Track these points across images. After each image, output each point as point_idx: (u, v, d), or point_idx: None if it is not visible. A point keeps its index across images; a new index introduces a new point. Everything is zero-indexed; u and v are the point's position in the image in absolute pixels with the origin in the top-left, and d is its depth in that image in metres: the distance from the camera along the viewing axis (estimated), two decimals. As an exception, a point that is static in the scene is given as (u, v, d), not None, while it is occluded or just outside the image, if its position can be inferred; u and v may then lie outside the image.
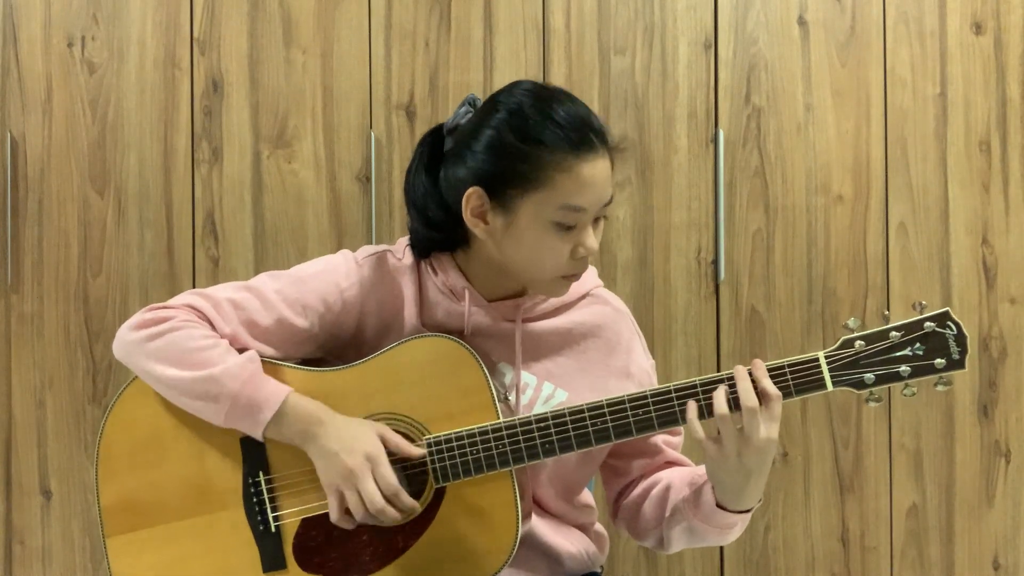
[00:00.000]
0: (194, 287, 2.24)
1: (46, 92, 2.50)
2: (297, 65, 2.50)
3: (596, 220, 1.46)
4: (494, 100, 1.46)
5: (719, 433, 1.37)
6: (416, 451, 1.42)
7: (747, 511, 1.45)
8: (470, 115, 1.48)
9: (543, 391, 1.52)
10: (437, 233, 1.50)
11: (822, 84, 2.50)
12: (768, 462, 1.38)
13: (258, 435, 1.43)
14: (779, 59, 2.50)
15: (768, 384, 1.35)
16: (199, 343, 1.44)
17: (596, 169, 1.41)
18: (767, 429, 1.35)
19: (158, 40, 2.50)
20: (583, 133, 1.41)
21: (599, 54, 2.51)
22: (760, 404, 1.35)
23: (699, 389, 1.39)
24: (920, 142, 2.50)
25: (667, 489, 1.53)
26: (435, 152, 1.50)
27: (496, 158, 1.41)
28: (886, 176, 2.51)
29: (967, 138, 2.50)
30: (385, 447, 1.41)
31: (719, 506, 1.44)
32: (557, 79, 2.49)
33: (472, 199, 1.43)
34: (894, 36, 2.51)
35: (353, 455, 1.38)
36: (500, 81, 2.48)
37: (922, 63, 2.51)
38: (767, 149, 2.50)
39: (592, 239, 1.44)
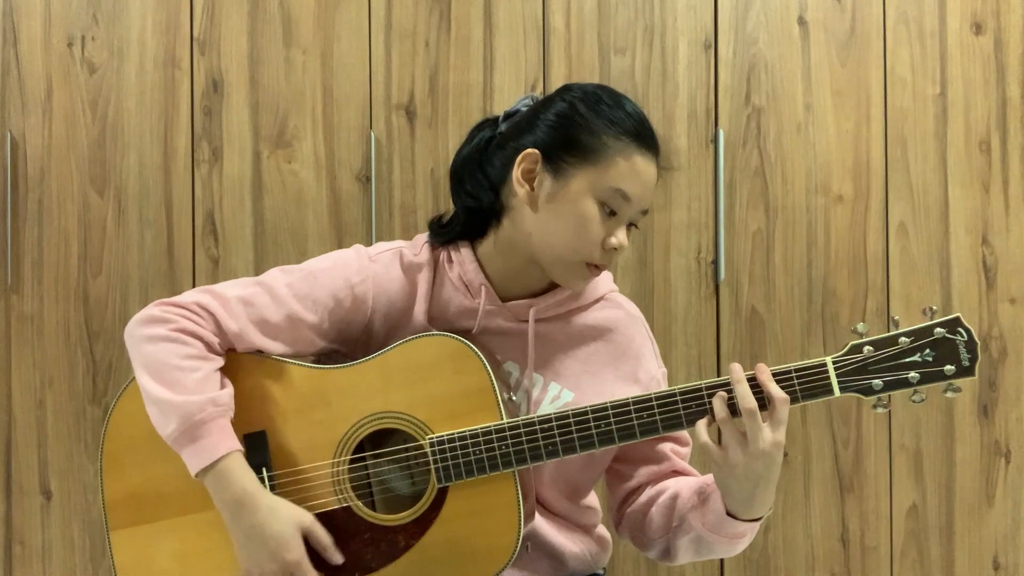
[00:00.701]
0: (194, 287, 2.24)
1: (46, 92, 2.50)
2: (297, 65, 2.50)
3: (628, 225, 1.49)
4: (566, 86, 1.52)
5: (722, 438, 1.37)
6: (337, 557, 1.43)
7: (757, 520, 1.45)
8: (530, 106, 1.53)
9: (549, 391, 1.52)
10: (472, 201, 1.52)
11: (822, 84, 2.50)
12: (775, 468, 1.37)
13: (192, 474, 1.43)
14: (779, 59, 2.50)
15: (774, 388, 1.35)
16: (181, 363, 1.44)
17: (650, 168, 1.47)
18: (773, 433, 1.34)
19: (158, 40, 2.50)
20: (646, 130, 1.47)
21: (599, 54, 2.51)
22: (764, 407, 1.35)
23: (704, 393, 1.39)
24: (920, 142, 2.51)
25: (674, 498, 1.52)
26: (488, 138, 1.54)
27: (564, 125, 1.46)
28: (886, 176, 2.51)
29: (967, 138, 2.51)
30: (309, 538, 1.41)
31: (729, 514, 1.43)
32: (557, 79, 2.48)
33: (527, 160, 1.46)
34: (894, 36, 2.51)
35: (273, 561, 1.39)
36: (500, 81, 2.48)
37: (922, 63, 2.51)
38: (767, 149, 2.50)
39: (624, 234, 1.47)
